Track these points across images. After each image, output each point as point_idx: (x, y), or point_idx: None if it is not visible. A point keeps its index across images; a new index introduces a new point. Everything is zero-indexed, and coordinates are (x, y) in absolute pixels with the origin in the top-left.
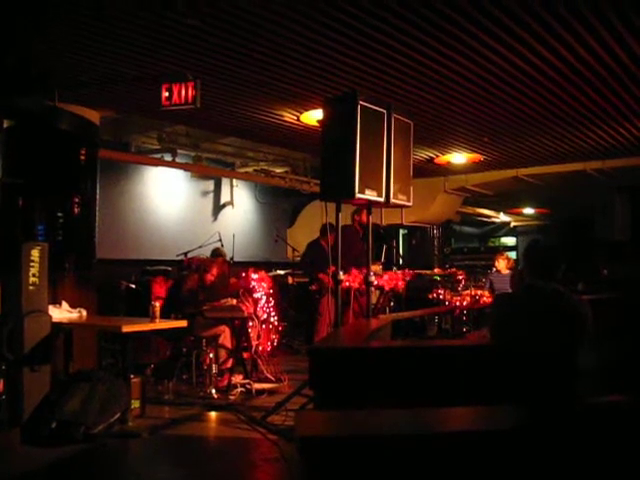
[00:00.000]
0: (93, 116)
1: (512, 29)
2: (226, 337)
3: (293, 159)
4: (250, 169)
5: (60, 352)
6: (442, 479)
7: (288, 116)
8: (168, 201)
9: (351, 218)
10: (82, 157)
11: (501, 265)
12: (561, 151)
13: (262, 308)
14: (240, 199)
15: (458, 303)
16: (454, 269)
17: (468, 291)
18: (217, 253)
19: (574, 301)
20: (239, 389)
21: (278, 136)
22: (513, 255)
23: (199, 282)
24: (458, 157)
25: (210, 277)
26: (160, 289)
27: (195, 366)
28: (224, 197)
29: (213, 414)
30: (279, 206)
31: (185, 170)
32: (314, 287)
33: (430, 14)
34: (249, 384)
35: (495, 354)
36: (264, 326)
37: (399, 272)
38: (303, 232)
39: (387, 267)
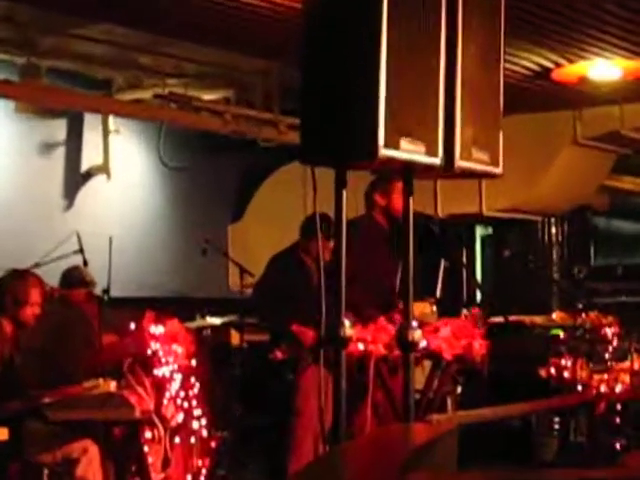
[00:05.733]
0: None
1: None
2: (92, 464)
3: (241, 73)
4: (147, 94)
5: None
6: None
7: None
8: None
9: (367, 200)
10: None
11: None
12: None
13: (173, 400)
14: (125, 161)
15: (605, 388)
16: (596, 313)
17: (627, 361)
18: (74, 280)
19: None
20: None
21: (215, 21)
22: None
23: (14, 332)
24: (603, 68)
25: (30, 312)
26: None
27: None
28: (89, 157)
29: None
30: (210, 176)
31: (4, 97)
32: (279, 354)
33: None
34: None
35: None
36: (178, 440)
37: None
38: (263, 232)
39: (451, 309)
